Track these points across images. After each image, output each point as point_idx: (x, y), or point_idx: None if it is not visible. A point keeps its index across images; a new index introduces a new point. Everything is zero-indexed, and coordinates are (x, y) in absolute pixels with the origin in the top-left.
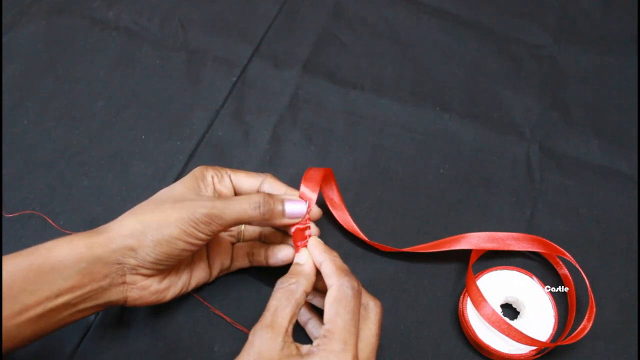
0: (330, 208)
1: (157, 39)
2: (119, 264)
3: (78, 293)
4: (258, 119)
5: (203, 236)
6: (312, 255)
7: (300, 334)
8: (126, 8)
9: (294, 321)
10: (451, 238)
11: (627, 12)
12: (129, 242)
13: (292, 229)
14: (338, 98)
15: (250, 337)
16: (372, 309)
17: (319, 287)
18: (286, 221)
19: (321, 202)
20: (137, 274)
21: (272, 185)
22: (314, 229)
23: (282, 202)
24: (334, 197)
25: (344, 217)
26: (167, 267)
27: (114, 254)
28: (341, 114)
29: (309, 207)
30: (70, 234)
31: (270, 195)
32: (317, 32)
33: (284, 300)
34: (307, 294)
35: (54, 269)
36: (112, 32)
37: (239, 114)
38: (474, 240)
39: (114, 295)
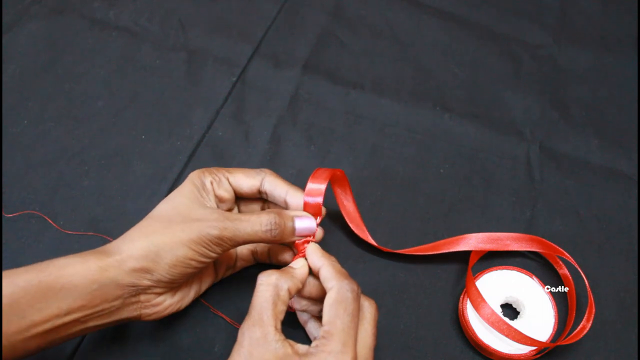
0: (347, 219)
1: (157, 39)
2: (133, 286)
3: (88, 311)
4: (258, 119)
5: (214, 255)
6: (310, 260)
7: (300, 334)
8: (126, 8)
9: (281, 317)
10: (450, 239)
11: (627, 12)
12: (143, 264)
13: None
14: (338, 98)
15: (239, 337)
16: (367, 309)
17: (313, 295)
18: (295, 239)
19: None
20: (152, 293)
21: (272, 183)
22: (318, 232)
23: (292, 219)
24: (349, 207)
25: (360, 230)
26: (179, 283)
27: (128, 276)
28: (341, 114)
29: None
30: (70, 234)
31: (280, 213)
32: (317, 32)
33: (269, 297)
34: (291, 295)
35: (64, 288)
36: (112, 32)
37: (239, 114)
38: (473, 242)
39: (127, 313)
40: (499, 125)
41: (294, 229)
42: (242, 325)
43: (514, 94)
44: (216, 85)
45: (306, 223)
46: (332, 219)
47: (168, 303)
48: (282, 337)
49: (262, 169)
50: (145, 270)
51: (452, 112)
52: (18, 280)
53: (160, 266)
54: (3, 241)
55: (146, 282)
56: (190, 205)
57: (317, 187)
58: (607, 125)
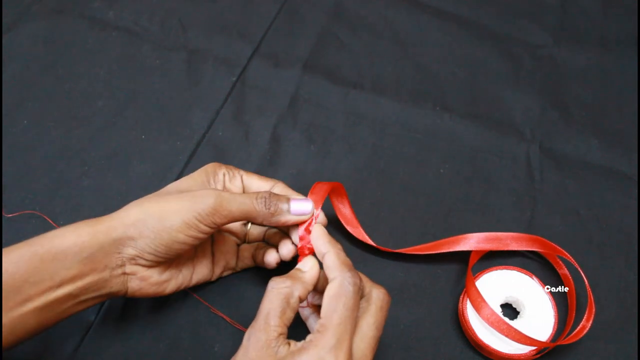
0: (343, 222)
1: (157, 39)
2: (119, 253)
3: (80, 284)
4: (258, 119)
5: (205, 228)
6: (316, 245)
7: (301, 330)
8: (126, 8)
9: (289, 324)
10: (450, 239)
11: (627, 12)
12: (130, 231)
13: (299, 233)
14: (338, 98)
15: (245, 340)
16: (375, 299)
17: (319, 288)
18: (291, 218)
19: (333, 217)
20: (137, 264)
21: (282, 191)
22: (321, 218)
23: (288, 200)
24: (346, 212)
25: (357, 231)
26: (166, 259)
27: (115, 242)
28: (341, 114)
29: (315, 209)
30: None
31: (275, 193)
32: (317, 32)
33: (277, 304)
34: (301, 300)
35: (56, 258)
36: (112, 32)
37: (239, 114)
38: (473, 241)
39: (115, 286)
40: (499, 125)
41: (289, 208)
42: (248, 329)
43: (514, 94)
44: (216, 85)
45: (302, 204)
46: (330, 219)
47: (155, 280)
48: (285, 341)
49: (277, 180)
50: (130, 238)
51: (452, 112)
52: (11, 256)
53: (145, 234)
54: (3, 241)
55: (130, 251)
56: (194, 184)
57: (318, 191)
58: (607, 125)
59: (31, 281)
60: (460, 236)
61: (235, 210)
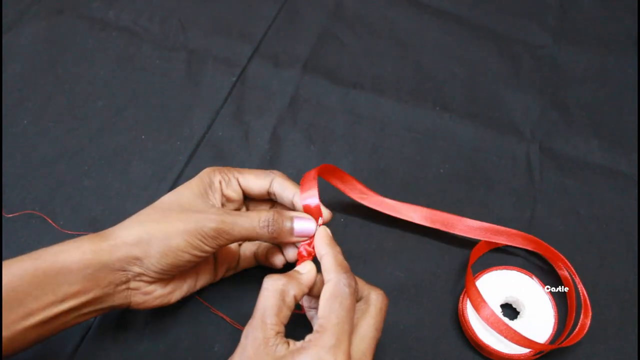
0: (351, 194)
1: (157, 39)
2: (123, 271)
3: (83, 299)
4: (258, 119)
5: (209, 249)
6: (316, 246)
7: (303, 331)
8: (126, 8)
9: (285, 322)
10: (453, 217)
11: (627, 12)
12: (134, 251)
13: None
14: (338, 98)
15: (243, 339)
16: (373, 301)
17: (316, 293)
18: (294, 239)
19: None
20: (141, 280)
21: (281, 185)
22: (325, 213)
23: (292, 219)
24: (342, 183)
25: (361, 192)
26: (170, 275)
27: (119, 262)
28: (341, 114)
29: (318, 224)
30: (70, 234)
31: (279, 212)
32: (317, 32)
33: (274, 303)
34: (297, 300)
35: (59, 274)
36: (112, 32)
37: (239, 114)
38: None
39: (118, 300)
40: (498, 125)
41: (292, 229)
42: (245, 328)
43: (514, 94)
44: (216, 85)
45: (306, 224)
46: (335, 221)
47: (158, 293)
48: (284, 340)
49: (272, 171)
50: (135, 257)
51: (452, 112)
52: (14, 268)
53: (151, 254)
54: (3, 241)
55: (136, 269)
56: (193, 199)
57: (308, 189)
58: (607, 125)
59: (34, 295)
60: (464, 218)
61: (238, 234)
